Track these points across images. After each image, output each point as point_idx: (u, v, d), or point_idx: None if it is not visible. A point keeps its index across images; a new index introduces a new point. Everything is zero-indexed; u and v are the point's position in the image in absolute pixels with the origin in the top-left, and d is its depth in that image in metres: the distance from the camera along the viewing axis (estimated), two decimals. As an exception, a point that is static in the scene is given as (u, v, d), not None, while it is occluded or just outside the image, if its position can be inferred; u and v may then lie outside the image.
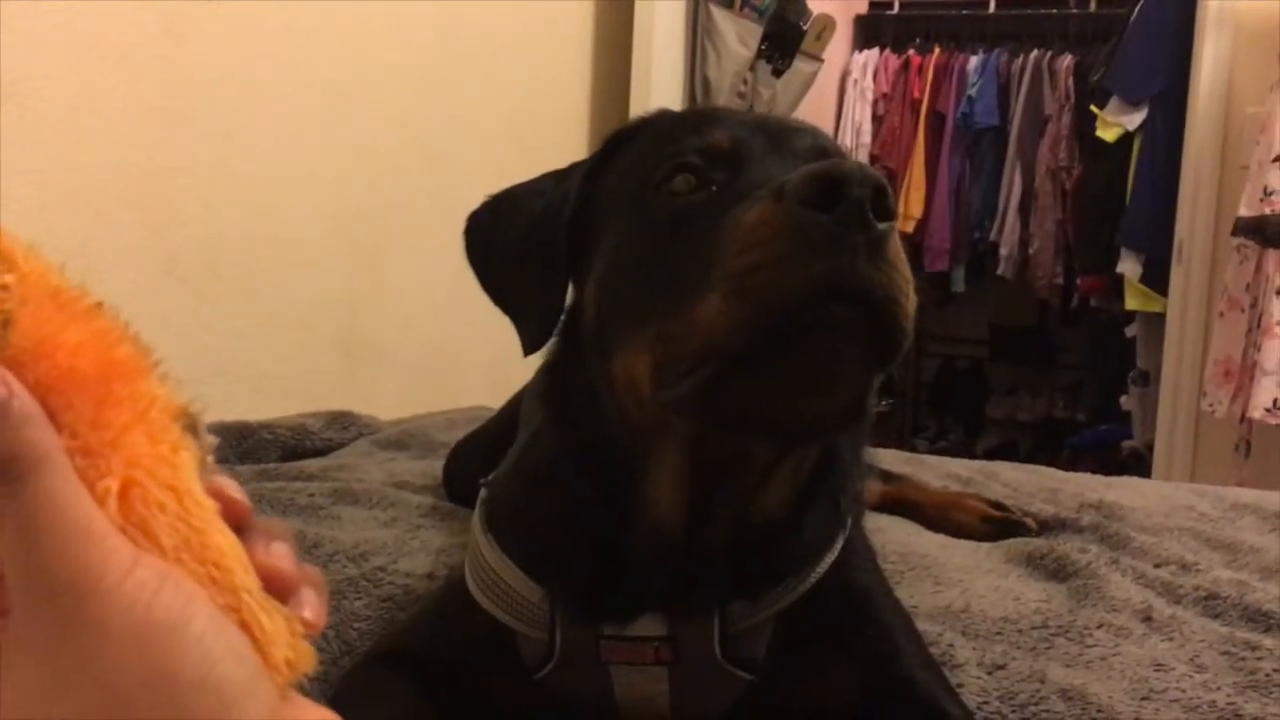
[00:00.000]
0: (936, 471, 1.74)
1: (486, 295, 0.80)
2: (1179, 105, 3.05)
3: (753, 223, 0.59)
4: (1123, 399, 3.80)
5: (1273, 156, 2.53)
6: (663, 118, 0.78)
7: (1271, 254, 2.59)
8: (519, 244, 0.78)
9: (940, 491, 1.53)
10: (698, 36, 2.56)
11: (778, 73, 2.78)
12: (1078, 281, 3.93)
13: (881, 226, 0.57)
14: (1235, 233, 2.67)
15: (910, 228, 4.50)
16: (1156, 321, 3.29)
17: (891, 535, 1.33)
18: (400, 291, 1.96)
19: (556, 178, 0.80)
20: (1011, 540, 1.33)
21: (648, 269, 0.67)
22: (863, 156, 4.59)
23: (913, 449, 4.97)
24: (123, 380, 0.38)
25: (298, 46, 1.76)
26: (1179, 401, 3.04)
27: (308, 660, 0.39)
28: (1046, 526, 1.40)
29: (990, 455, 4.76)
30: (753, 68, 2.70)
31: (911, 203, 4.52)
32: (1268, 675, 0.97)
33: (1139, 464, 3.46)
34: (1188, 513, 1.54)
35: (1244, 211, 2.62)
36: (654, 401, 0.65)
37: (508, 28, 2.26)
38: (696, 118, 0.76)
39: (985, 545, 1.33)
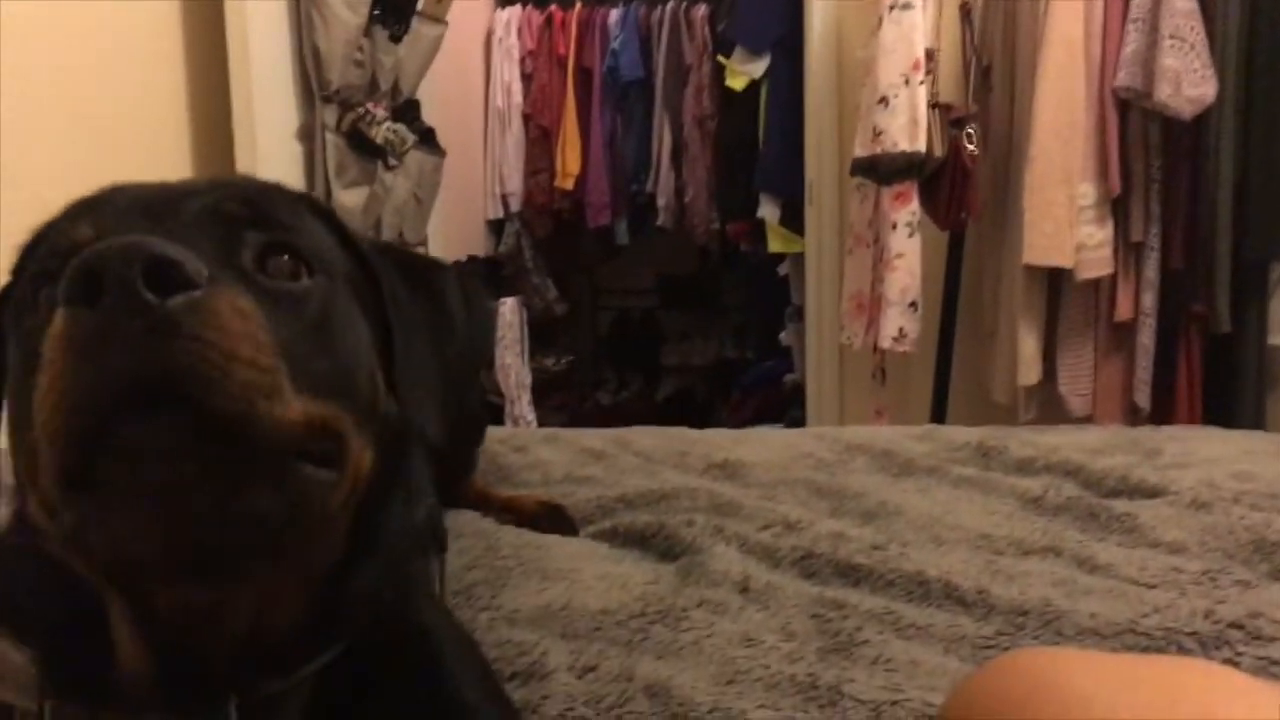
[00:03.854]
0: (571, 446, 1.72)
1: None
2: (798, 51, 3.16)
3: (49, 338, 0.51)
4: (782, 335, 3.97)
5: (877, 98, 2.65)
6: (63, 213, 0.66)
7: (886, 191, 2.72)
8: None
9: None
10: (301, 4, 2.39)
11: (396, 38, 2.65)
12: (727, 228, 4.04)
13: (172, 301, 0.49)
14: (853, 173, 2.80)
15: (570, 185, 4.51)
16: (802, 260, 3.43)
17: (507, 531, 1.29)
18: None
19: None
20: (626, 520, 1.31)
21: (20, 402, 0.57)
22: (514, 117, 4.54)
23: (596, 403, 5.05)
24: None
25: None
26: (823, 336, 3.18)
27: None
28: (663, 497, 1.39)
29: (669, 401, 4.90)
30: (369, 35, 2.56)
31: (568, 160, 4.52)
32: (849, 635, 0.98)
33: (801, 397, 3.62)
34: (805, 461, 1.59)
35: (859, 152, 2.74)
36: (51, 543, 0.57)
37: (80, 20, 2.02)
38: (80, 208, 0.64)
39: (605, 531, 1.31)
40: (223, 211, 0.62)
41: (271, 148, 2.42)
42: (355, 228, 0.76)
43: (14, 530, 0.73)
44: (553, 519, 1.33)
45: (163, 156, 2.30)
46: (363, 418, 0.63)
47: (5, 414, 0.63)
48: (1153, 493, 1.33)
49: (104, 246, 0.49)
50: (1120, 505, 1.27)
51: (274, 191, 0.69)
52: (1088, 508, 1.27)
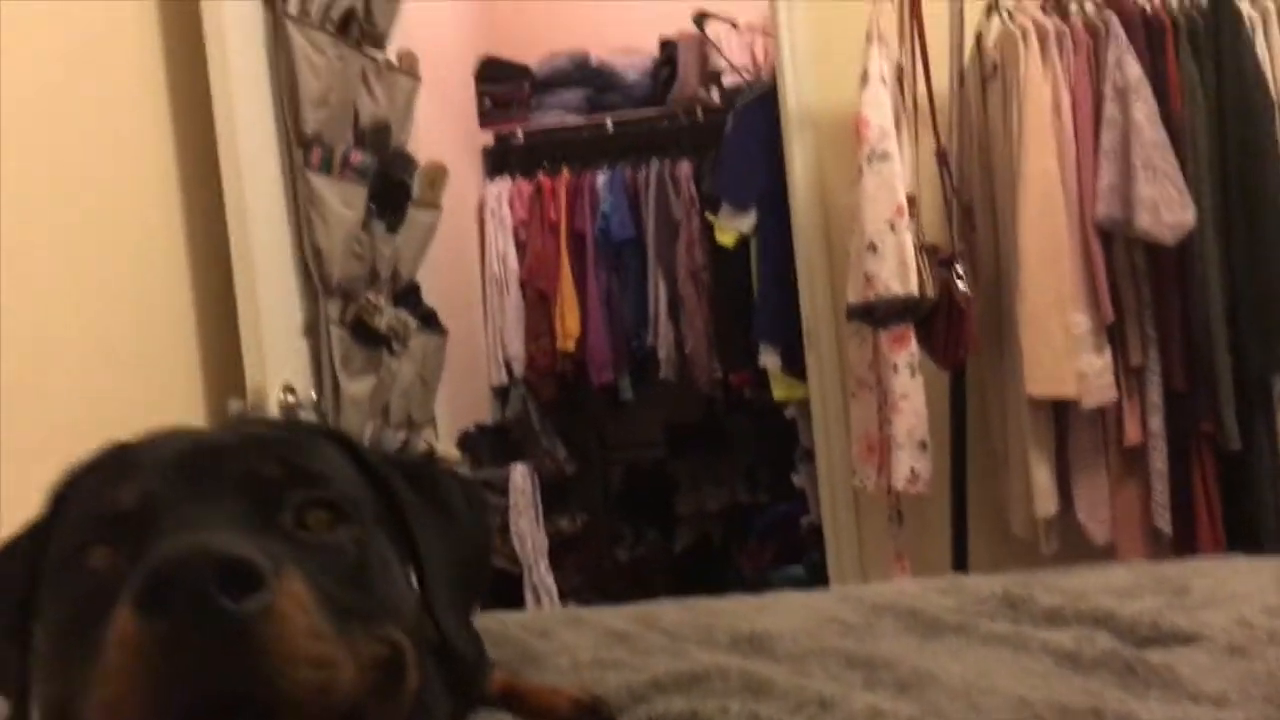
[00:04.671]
0: (595, 627, 1.70)
1: None
2: (783, 203, 3.24)
3: (113, 640, 0.53)
4: (794, 477, 3.96)
5: (866, 244, 2.71)
6: (100, 462, 0.69)
7: (883, 334, 2.76)
8: None
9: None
10: (300, 206, 2.46)
11: (393, 228, 2.73)
12: (730, 377, 4.08)
13: (245, 606, 0.51)
14: (849, 318, 2.84)
15: (571, 346, 4.58)
16: (807, 404, 3.45)
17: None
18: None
19: (20, 541, 0.72)
20: (660, 709, 1.29)
21: (62, 665, 0.59)
22: (512, 283, 4.64)
23: (614, 559, 5.01)
24: None
25: None
26: (835, 479, 3.18)
27: None
28: (696, 680, 1.37)
29: (687, 553, 4.86)
30: (366, 228, 2.63)
31: (568, 321, 4.60)
32: (897, 826, 0.96)
33: (819, 538, 3.59)
34: (832, 627, 1.57)
35: (852, 298, 2.79)
36: None
37: (83, 229, 2.08)
38: (119, 462, 0.67)
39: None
40: (261, 475, 0.64)
41: (278, 344, 2.46)
42: (364, 445, 0.79)
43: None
44: (590, 713, 1.31)
45: (174, 361, 2.35)
46: (412, 642, 0.65)
47: (42, 667, 0.64)
48: (1187, 639, 1.32)
49: (172, 552, 0.51)
50: (1156, 656, 1.26)
51: (300, 440, 0.73)
52: (1124, 662, 1.25)
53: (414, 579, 0.73)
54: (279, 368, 2.41)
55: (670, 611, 1.77)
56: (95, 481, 0.67)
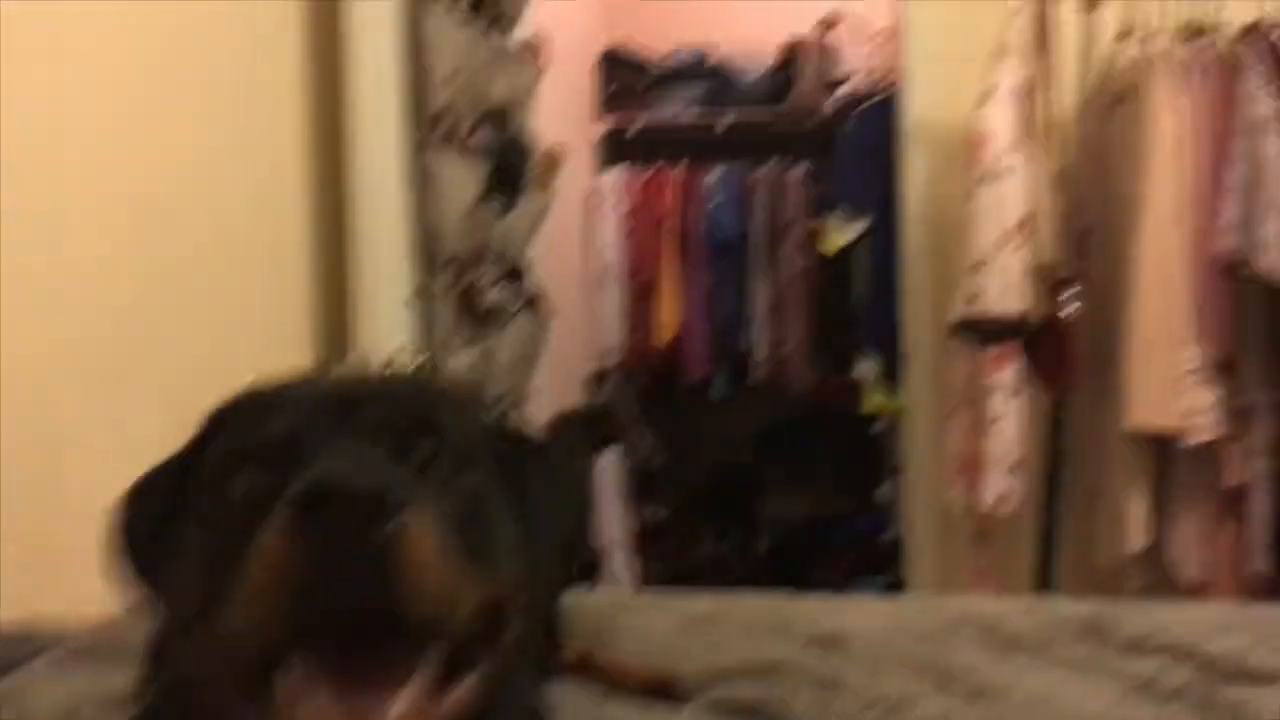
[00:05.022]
0: (673, 611, 1.73)
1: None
2: (895, 214, 3.23)
3: (261, 548, 0.59)
4: (879, 492, 3.95)
5: (976, 261, 2.69)
6: (247, 399, 0.76)
7: (986, 353, 2.74)
8: (137, 539, 0.79)
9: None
10: (419, 180, 2.54)
11: (506, 208, 2.79)
12: (824, 383, 4.07)
13: (383, 530, 0.57)
14: (952, 335, 2.82)
15: (668, 339, 4.61)
16: (900, 418, 3.43)
17: (610, 705, 1.31)
18: (92, 480, 1.81)
19: (172, 463, 0.79)
20: (732, 693, 1.32)
21: (208, 578, 0.65)
22: (615, 273, 4.68)
23: (695, 558, 5.03)
24: None
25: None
26: (921, 495, 3.16)
27: None
28: (769, 670, 1.39)
29: (767, 556, 4.85)
30: (481, 205, 2.70)
31: (667, 315, 4.63)
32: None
33: (899, 553, 3.57)
34: (908, 633, 1.57)
35: (957, 315, 2.77)
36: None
37: (215, 181, 2.18)
38: (266, 399, 0.74)
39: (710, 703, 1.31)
40: (396, 422, 0.70)
41: (386, 312, 2.54)
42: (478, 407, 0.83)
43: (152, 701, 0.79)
44: (662, 691, 1.34)
45: (287, 323, 2.44)
46: (517, 593, 0.70)
47: (186, 582, 0.69)
48: (1270, 679, 1.30)
49: (324, 475, 0.58)
50: (1236, 693, 1.24)
51: (428, 392, 0.79)
52: (1201, 696, 1.24)
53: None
54: (385, 336, 2.49)
55: (748, 603, 1.79)
56: (246, 412, 0.74)
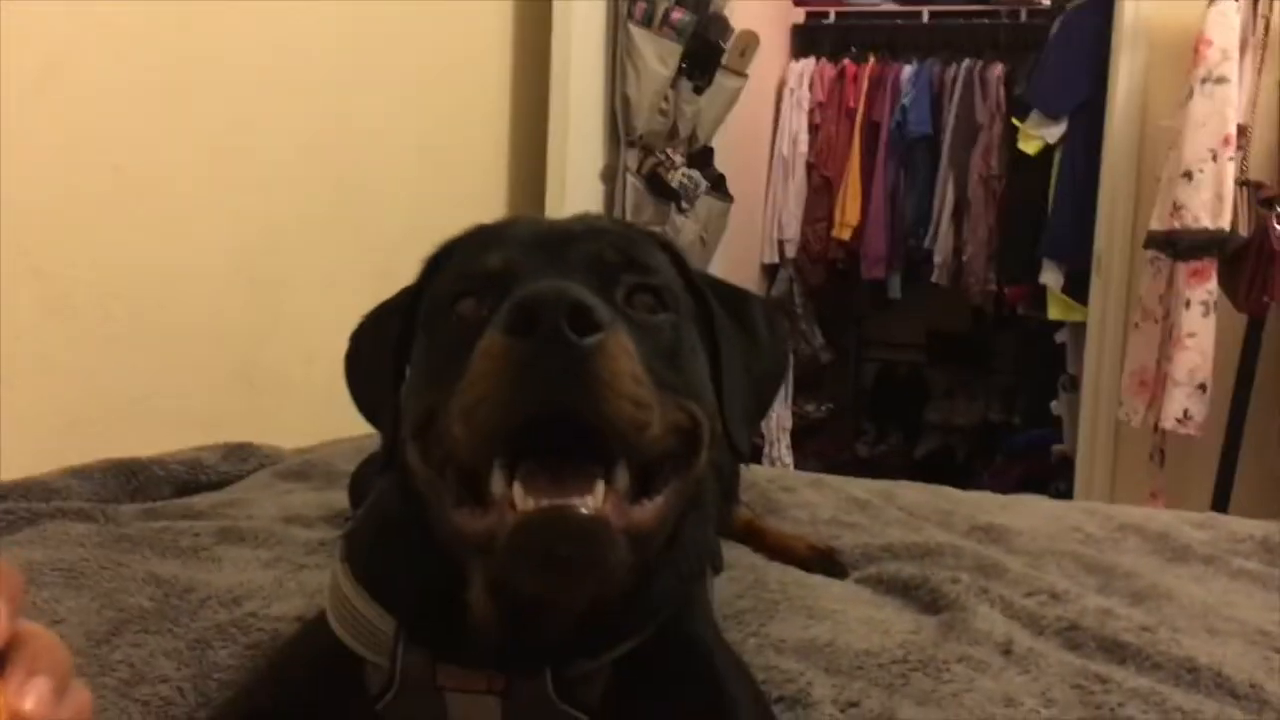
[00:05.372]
0: (837, 492, 1.77)
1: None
2: (1097, 119, 3.10)
3: (479, 354, 0.64)
4: (1053, 404, 3.86)
5: (1181, 171, 2.58)
6: (469, 237, 0.82)
7: (1182, 267, 2.64)
8: (370, 362, 0.86)
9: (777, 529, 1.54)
10: (617, 56, 2.57)
11: (699, 90, 2.80)
12: (1005, 290, 3.98)
13: (587, 341, 0.61)
14: (1147, 246, 2.72)
15: (847, 235, 4.56)
16: (1082, 329, 3.35)
17: (774, 567, 1.36)
18: (304, 320, 1.95)
19: (398, 298, 0.86)
20: (890, 570, 1.35)
21: (431, 390, 0.71)
22: (799, 165, 4.64)
23: (854, 453, 5.04)
24: None
25: (186, 76, 1.75)
26: (1099, 410, 3.09)
27: None
28: (928, 552, 1.42)
29: (928, 459, 4.84)
30: (674, 85, 2.72)
31: (848, 211, 4.57)
32: (1112, 710, 0.99)
33: (1068, 468, 3.52)
34: (1074, 534, 1.58)
35: (1155, 225, 2.67)
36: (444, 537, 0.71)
37: (420, 48, 2.26)
38: (486, 237, 0.80)
39: (869, 577, 1.35)
40: (603, 258, 0.75)
41: (577, 184, 2.61)
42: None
43: (382, 508, 0.87)
44: (823, 563, 1.39)
45: (487, 184, 2.53)
46: (708, 424, 0.74)
47: (412, 395, 0.77)
48: None
49: (538, 290, 0.62)
50: None
51: (634, 235, 0.83)
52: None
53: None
54: (575, 206, 2.56)
55: (911, 491, 1.82)
56: (465, 249, 0.80)
